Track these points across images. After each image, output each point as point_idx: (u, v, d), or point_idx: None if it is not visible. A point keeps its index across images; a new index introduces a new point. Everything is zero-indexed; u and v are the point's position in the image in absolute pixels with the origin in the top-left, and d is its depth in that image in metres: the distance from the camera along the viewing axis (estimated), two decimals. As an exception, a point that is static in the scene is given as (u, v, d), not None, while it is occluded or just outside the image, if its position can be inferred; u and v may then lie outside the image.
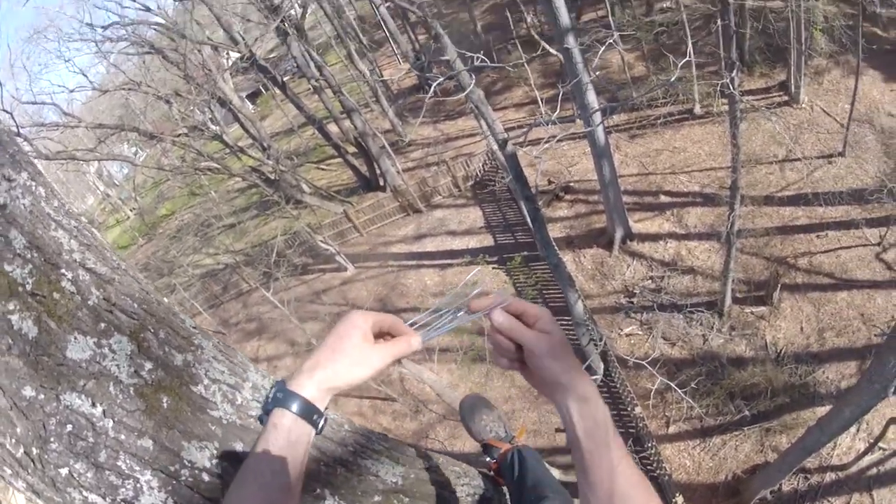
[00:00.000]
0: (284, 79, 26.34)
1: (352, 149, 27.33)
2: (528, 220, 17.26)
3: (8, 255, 1.30)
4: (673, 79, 11.35)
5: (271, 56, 44.45)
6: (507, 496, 2.76)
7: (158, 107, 32.87)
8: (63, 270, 1.38)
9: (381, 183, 27.45)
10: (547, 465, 2.78)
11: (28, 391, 1.28)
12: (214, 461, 1.49)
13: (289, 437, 1.27)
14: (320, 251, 24.62)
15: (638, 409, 14.68)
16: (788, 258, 16.27)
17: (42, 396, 1.29)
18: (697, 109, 21.07)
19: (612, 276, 18.36)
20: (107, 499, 1.37)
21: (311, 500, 1.68)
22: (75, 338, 1.34)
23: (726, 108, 15.96)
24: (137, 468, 1.38)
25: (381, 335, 1.47)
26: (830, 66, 20.49)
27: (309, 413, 1.30)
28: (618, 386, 15.53)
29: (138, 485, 1.38)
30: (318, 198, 28.21)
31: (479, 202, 23.99)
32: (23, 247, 1.32)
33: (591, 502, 1.29)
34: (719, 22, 14.79)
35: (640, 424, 14.52)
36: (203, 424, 1.51)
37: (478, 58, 9.17)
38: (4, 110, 19.92)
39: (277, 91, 31.23)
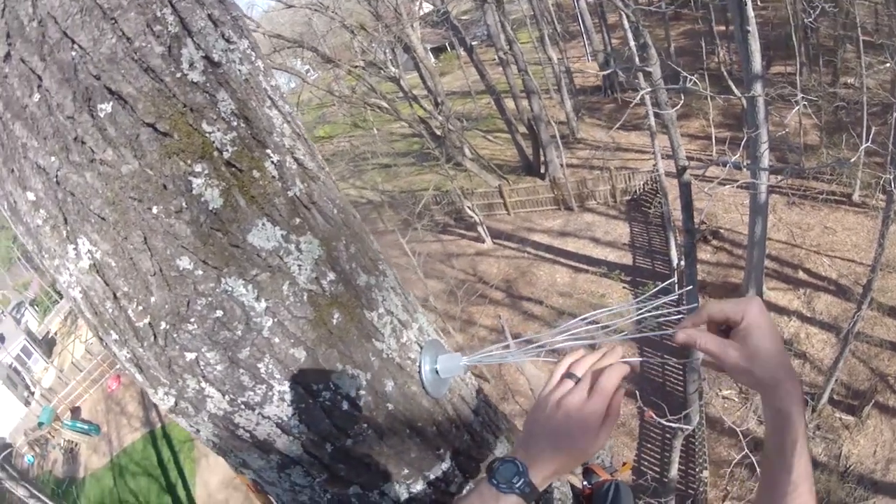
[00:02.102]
0: (473, 43, 26.42)
1: (522, 129, 27.34)
2: (675, 253, 16.95)
3: (211, 114, 1.21)
4: (850, 161, 10.94)
5: (464, 17, 44.65)
6: None
7: (340, 35, 33.43)
8: (269, 151, 1.29)
9: (542, 171, 27.44)
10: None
11: (184, 262, 1.20)
12: (361, 392, 1.42)
13: None
14: (464, 216, 24.85)
15: (706, 473, 14.57)
16: (890, 377, 15.53)
17: (200, 272, 1.21)
18: (856, 197, 20.25)
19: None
20: (226, 396, 1.30)
21: (432, 459, 1.63)
22: (263, 224, 1.25)
23: (882, 203, 15.51)
24: (278, 376, 1.31)
25: None
26: None
27: (535, 499, 1.28)
28: (696, 444, 15.36)
29: (270, 392, 1.31)
30: (477, 165, 28.29)
31: (629, 219, 23.67)
32: (230, 112, 1.23)
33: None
34: (895, 115, 14.26)
35: (702, 488, 14.41)
36: (365, 352, 1.43)
37: (691, 80, 8.92)
38: None
39: (463, 53, 31.42)
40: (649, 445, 16.03)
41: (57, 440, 29.20)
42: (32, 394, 33.15)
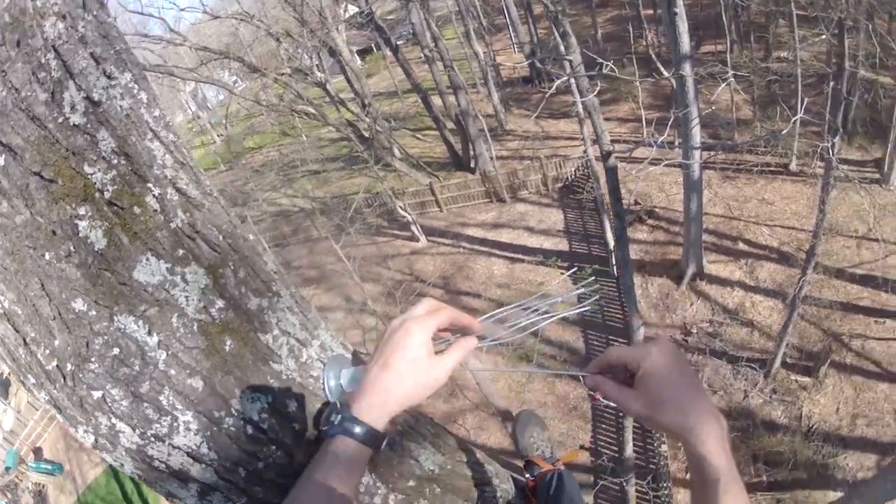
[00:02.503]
0: (398, 42, 26.45)
1: (450, 125, 27.35)
2: (610, 236, 17.11)
3: (92, 156, 1.21)
4: (783, 132, 11.09)
5: (389, 17, 44.71)
6: None
7: (266, 43, 33.24)
8: (150, 185, 1.29)
9: (472, 165, 27.46)
10: (581, 494, 2.70)
11: (79, 304, 1.21)
12: (264, 415, 1.42)
13: (350, 467, 1.24)
14: (397, 217, 24.84)
15: (664, 448, 14.69)
16: (844, 335, 15.92)
17: (94, 313, 1.21)
18: (793, 166, 20.70)
19: (674, 311, 18.22)
20: (136, 430, 1.30)
21: None
22: (147, 259, 1.25)
23: (821, 171, 15.83)
24: (180, 406, 1.31)
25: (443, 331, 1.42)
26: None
27: (375, 441, 1.27)
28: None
29: (175, 423, 1.32)
30: (406, 165, 28.35)
31: (562, 206, 23.86)
32: (110, 151, 1.23)
33: None
34: (831, 84, 14.53)
35: (662, 463, 14.51)
36: (262, 376, 1.44)
37: (607, 66, 9.00)
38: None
39: (388, 53, 31.45)
40: (604, 426, 16.17)
41: (25, 483, 28.68)
42: (-7, 439, 32.52)
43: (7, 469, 28.29)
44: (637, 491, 12.74)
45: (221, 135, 51.52)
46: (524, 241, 22.95)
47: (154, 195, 1.28)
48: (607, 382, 1.35)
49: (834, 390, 15.09)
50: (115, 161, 1.23)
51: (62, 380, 1.25)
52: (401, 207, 23.81)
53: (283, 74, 25.06)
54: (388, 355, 1.29)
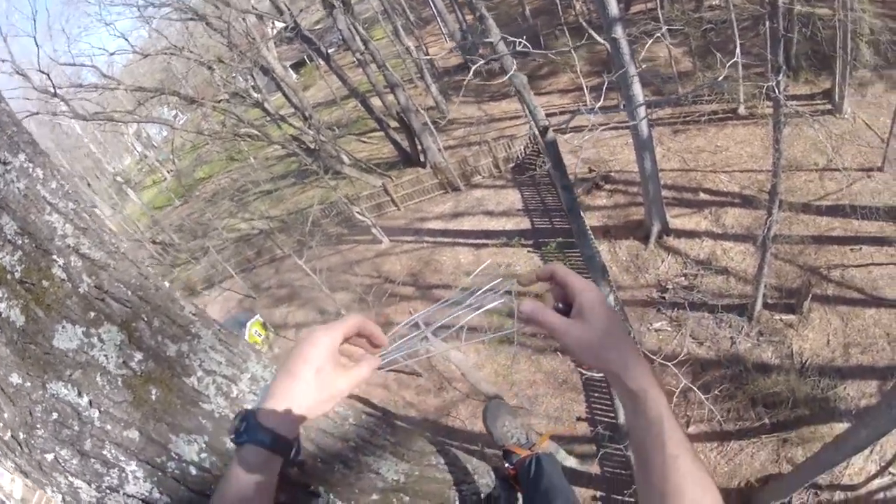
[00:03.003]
0: (329, 51, 26.34)
1: (394, 123, 27.30)
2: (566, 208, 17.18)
3: None
4: (720, 78, 11.14)
5: (317, 27, 44.33)
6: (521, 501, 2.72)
7: (200, 72, 33.03)
8: (55, 256, 1.36)
9: (422, 159, 27.42)
10: (562, 473, 2.74)
11: (15, 378, 1.29)
12: (203, 455, 1.47)
13: (261, 476, 1.21)
14: (356, 222, 24.69)
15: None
16: (821, 268, 15.94)
17: (28, 384, 1.30)
18: (742, 110, 20.76)
19: (646, 270, 18.23)
20: (92, 485, 1.37)
21: (305, 496, 1.64)
22: (63, 326, 1.33)
23: (770, 111, 15.66)
24: (123, 458, 1.38)
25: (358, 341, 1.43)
26: (875, 80, 20.04)
27: (282, 448, 1.24)
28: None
29: (123, 474, 1.38)
30: (357, 170, 28.26)
31: (518, 185, 23.81)
32: (14, 233, 1.31)
33: (644, 498, 1.23)
34: (767, 24, 14.54)
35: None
36: (193, 417, 1.49)
37: (521, 42, 9.07)
38: (41, 71, 19.93)
39: (321, 62, 31.26)
40: (596, 395, 16.11)
41: None
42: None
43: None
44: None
45: (171, 170, 51.10)
46: (486, 225, 22.93)
47: (59, 265, 1.36)
48: (546, 310, 1.32)
49: (821, 323, 15.09)
50: (20, 241, 1.31)
51: (19, 448, 1.32)
52: (358, 213, 23.70)
53: (220, 101, 24.92)
54: (293, 363, 1.27)
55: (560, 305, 1.36)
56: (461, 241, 22.91)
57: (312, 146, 26.32)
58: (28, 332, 1.28)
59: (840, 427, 12.61)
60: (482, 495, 2.43)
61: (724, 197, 18.89)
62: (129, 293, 1.48)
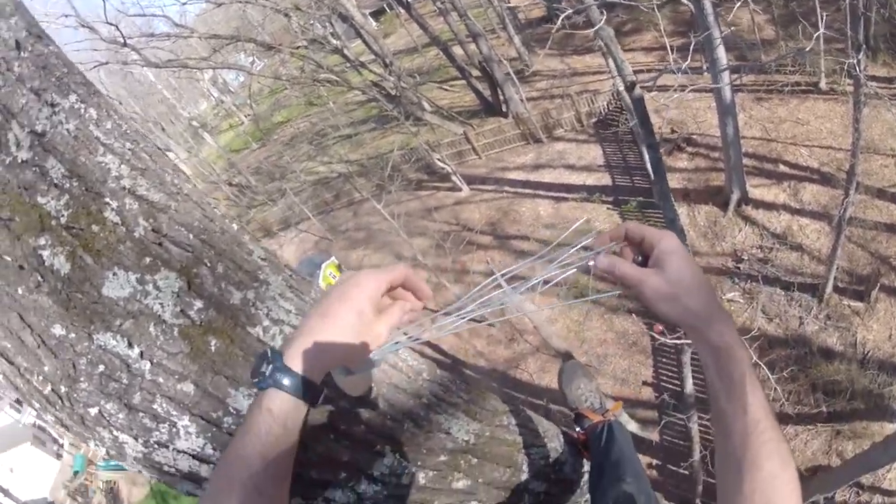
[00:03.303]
0: (409, -1, 26.22)
1: (476, 73, 27.09)
2: (649, 167, 16.90)
3: (42, 186, 1.22)
4: (808, 48, 10.80)
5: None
6: (588, 467, 2.66)
7: (277, 19, 33.12)
8: (107, 199, 1.28)
9: (504, 109, 27.14)
10: (632, 444, 2.66)
11: (58, 330, 1.22)
12: (264, 409, 1.39)
13: (285, 424, 1.11)
14: (436, 169, 24.80)
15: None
16: (891, 258, 15.41)
17: (73, 336, 1.23)
18: (823, 84, 20.09)
19: (723, 238, 17.89)
20: (139, 440, 1.32)
21: (369, 457, 1.57)
22: (114, 274, 1.25)
23: (850, 88, 15.41)
24: (175, 412, 1.31)
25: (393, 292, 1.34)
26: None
27: (312, 396, 1.15)
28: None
29: (174, 429, 1.32)
30: (438, 117, 28.19)
31: (600, 140, 23.49)
32: (61, 176, 1.23)
33: (722, 464, 1.17)
34: (847, 0, 14.14)
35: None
36: None
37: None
38: (109, 23, 19.87)
39: (402, 10, 31.15)
40: (664, 360, 15.99)
41: (95, 484, 29.18)
42: (61, 445, 33.03)
43: (75, 473, 28.84)
44: (700, 427, 12.61)
45: (248, 115, 51.55)
46: (566, 179, 22.71)
47: (112, 208, 1.28)
48: (623, 262, 1.28)
49: (885, 315, 14.65)
50: (67, 185, 1.24)
51: (60, 402, 1.27)
52: (439, 159, 23.69)
53: (298, 48, 24.98)
54: (332, 304, 1.20)
55: (639, 258, 1.32)
56: (541, 193, 22.73)
57: (393, 92, 26.30)
58: (74, 280, 1.21)
59: (891, 427, 12.40)
60: (550, 460, 2.36)
61: (804, 171, 18.35)
62: (191, 237, 1.40)
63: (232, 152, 47.25)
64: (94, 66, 20.19)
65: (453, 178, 24.13)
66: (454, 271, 21.14)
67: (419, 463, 1.69)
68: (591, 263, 1.30)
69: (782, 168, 18.66)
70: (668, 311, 1.21)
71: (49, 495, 30.13)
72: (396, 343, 1.35)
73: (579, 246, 1.35)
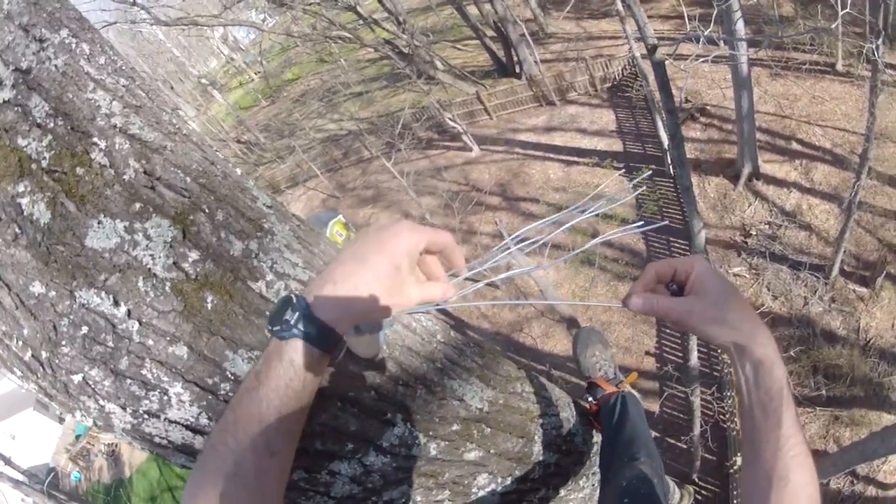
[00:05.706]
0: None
1: (490, 33, 26.93)
2: (665, 134, 16.76)
3: (24, 127, 1.10)
4: (830, 27, 10.71)
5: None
6: (600, 440, 2.61)
7: (289, -25, 32.98)
8: (95, 139, 1.15)
9: (518, 70, 27.00)
10: (645, 418, 2.58)
11: (37, 288, 1.10)
12: (265, 375, 1.28)
13: (305, 380, 1.02)
14: (447, 128, 24.77)
15: (727, 356, 14.40)
16: None
17: (53, 294, 1.11)
18: (840, 66, 19.94)
19: (733, 211, 17.86)
20: (127, 410, 1.20)
21: (379, 426, 1.46)
22: (100, 222, 1.12)
23: (867, 73, 15.41)
24: (166, 379, 1.19)
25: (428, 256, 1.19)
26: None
27: (333, 346, 1.04)
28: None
29: (166, 397, 1.20)
30: (451, 76, 28.00)
31: (613, 106, 23.37)
32: (44, 115, 1.11)
33: (750, 476, 1.16)
34: None
35: (726, 371, 14.30)
36: (258, 330, 1.27)
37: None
38: None
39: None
40: (668, 331, 16.00)
41: (97, 447, 29.43)
42: (63, 409, 33.43)
43: (77, 437, 29.16)
44: (703, 401, 12.61)
45: (258, 72, 51.60)
46: (578, 143, 22.61)
47: (100, 149, 1.15)
48: (661, 297, 1.27)
49: (890, 304, 14.61)
50: (51, 124, 1.12)
51: (41, 369, 1.17)
52: (450, 119, 23.61)
53: (311, 4, 24.80)
54: (369, 249, 1.05)
55: (674, 287, 1.31)
56: (552, 156, 22.68)
57: (406, 50, 26.13)
58: (55, 230, 1.08)
59: (889, 419, 12.50)
60: (563, 430, 2.28)
61: (816, 151, 18.24)
62: (188, 180, 1.26)
63: (241, 110, 47.21)
64: (104, 27, 20.06)
65: (464, 137, 24.03)
66: (461, 231, 21.17)
67: (430, 433, 1.60)
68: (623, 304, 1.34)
69: (795, 146, 18.58)
70: (716, 334, 1.21)
71: (51, 461, 30.59)
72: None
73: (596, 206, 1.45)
